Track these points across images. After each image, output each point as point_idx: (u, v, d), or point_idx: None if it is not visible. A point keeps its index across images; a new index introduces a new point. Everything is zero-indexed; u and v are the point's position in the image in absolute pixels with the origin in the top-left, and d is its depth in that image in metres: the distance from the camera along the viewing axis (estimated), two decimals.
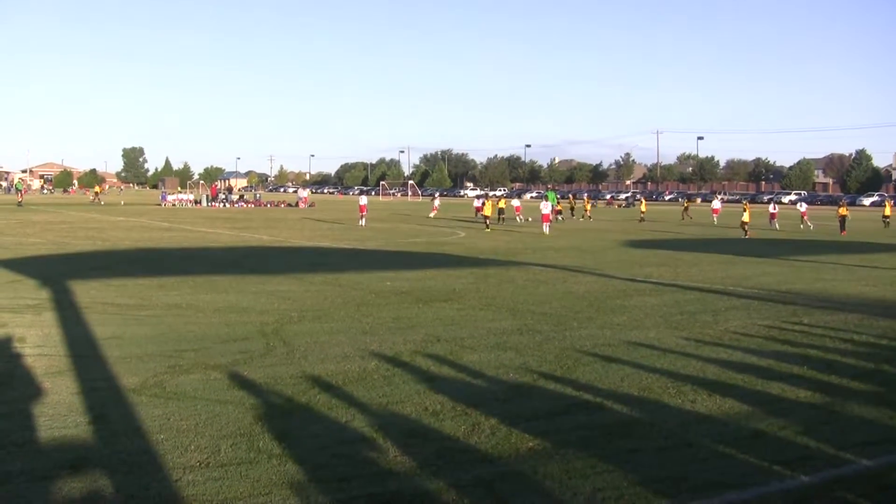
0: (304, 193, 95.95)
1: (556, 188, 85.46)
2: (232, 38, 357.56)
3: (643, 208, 62.09)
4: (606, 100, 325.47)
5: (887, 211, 53.33)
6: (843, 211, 47.64)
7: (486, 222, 46.29)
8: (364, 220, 48.87)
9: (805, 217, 52.50)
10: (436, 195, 77.52)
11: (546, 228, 43.39)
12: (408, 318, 14.34)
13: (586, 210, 61.34)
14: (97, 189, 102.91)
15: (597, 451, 7.35)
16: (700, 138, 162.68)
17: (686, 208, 67.25)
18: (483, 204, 49.57)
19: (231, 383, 9.60)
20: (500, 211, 53.04)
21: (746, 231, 42.50)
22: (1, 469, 6.71)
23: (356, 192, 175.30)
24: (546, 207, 45.00)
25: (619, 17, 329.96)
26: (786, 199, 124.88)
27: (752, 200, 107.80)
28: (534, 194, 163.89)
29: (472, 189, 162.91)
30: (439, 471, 6.84)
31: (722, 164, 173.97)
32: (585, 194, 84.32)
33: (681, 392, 9.52)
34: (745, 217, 43.18)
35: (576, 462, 7.06)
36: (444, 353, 11.42)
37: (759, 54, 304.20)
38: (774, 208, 53.36)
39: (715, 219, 57.47)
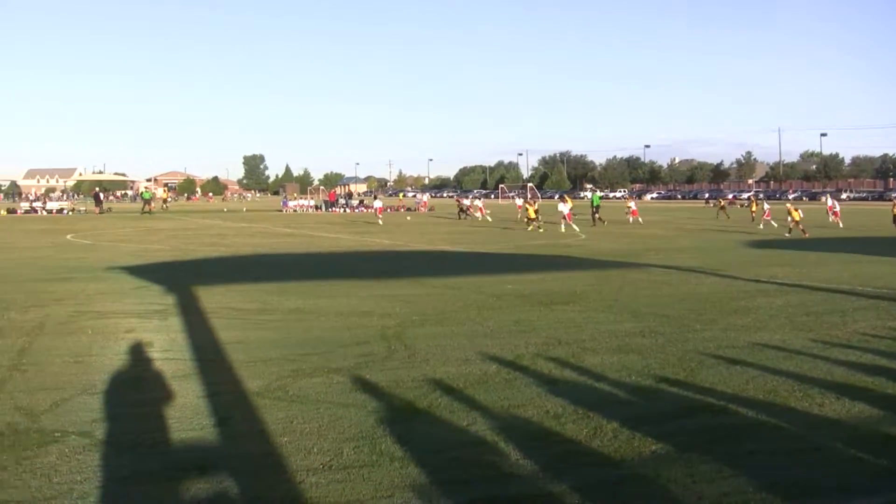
0: (424, 197, 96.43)
1: (595, 189, 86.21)
2: (349, 46, 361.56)
3: (753, 208, 58.25)
4: (727, 98, 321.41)
5: None
6: None
7: (527, 222, 47.19)
8: (380, 219, 56.44)
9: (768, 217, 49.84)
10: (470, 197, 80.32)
11: (563, 227, 44.33)
12: (528, 321, 14.27)
13: (631, 211, 58.14)
14: (164, 195, 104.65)
15: (721, 455, 7.19)
16: (823, 135, 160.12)
17: (722, 207, 66.25)
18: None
19: (353, 386, 9.66)
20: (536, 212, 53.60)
21: (791, 230, 41.11)
22: (132, 469, 6.87)
23: (473, 194, 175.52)
24: (565, 208, 46.12)
25: (738, 15, 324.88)
26: None
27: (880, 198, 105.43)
28: (654, 195, 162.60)
29: (590, 191, 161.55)
30: (561, 474, 6.77)
31: (847, 160, 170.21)
32: (627, 192, 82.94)
33: (808, 395, 9.27)
34: (796, 216, 41.63)
35: (700, 466, 6.93)
36: (565, 356, 11.31)
37: (886, 47, 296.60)
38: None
39: (833, 220, 53.22)
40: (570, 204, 47.96)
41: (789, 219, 42.15)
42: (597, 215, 51.51)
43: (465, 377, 10.10)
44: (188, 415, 8.51)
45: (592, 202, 53.40)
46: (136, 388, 9.81)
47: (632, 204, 58.95)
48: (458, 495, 6.33)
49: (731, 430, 8.06)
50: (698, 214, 68.50)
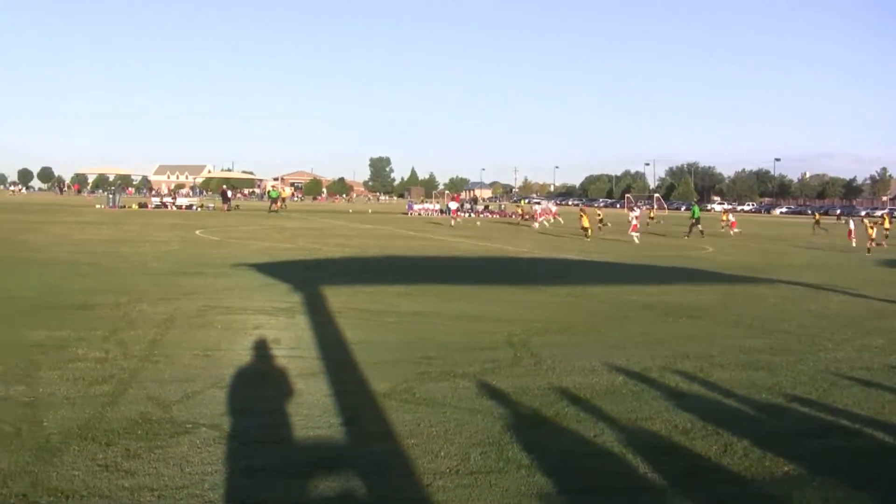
0: (550, 205, 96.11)
1: (697, 202, 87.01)
2: (476, 50, 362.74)
3: (887, 226, 51.43)
4: (861, 111, 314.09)
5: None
6: None
7: (586, 233, 46.77)
8: (457, 220, 62.34)
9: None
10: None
11: (636, 238, 44.16)
12: (655, 333, 14.09)
13: (728, 223, 58.96)
14: (284, 195, 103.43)
15: (856, 479, 6.99)
16: None
17: (817, 221, 67.61)
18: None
19: (479, 392, 9.64)
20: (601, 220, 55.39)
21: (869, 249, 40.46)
22: (261, 463, 6.96)
23: (599, 203, 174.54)
24: (634, 218, 46.52)
25: (872, 24, 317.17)
26: None
27: None
28: (783, 210, 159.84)
29: (718, 203, 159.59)
30: (690, 489, 6.66)
31: None
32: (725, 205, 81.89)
33: None
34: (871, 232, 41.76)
35: (835, 490, 6.73)
36: (693, 371, 11.13)
37: None
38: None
39: None
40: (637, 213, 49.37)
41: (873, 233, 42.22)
42: (698, 227, 52.07)
43: (592, 387, 10.02)
44: (315, 412, 8.59)
45: (693, 213, 54.84)
46: (263, 383, 9.96)
47: (731, 216, 60.00)
48: None
49: (866, 453, 7.84)
50: (828, 230, 66.93)
